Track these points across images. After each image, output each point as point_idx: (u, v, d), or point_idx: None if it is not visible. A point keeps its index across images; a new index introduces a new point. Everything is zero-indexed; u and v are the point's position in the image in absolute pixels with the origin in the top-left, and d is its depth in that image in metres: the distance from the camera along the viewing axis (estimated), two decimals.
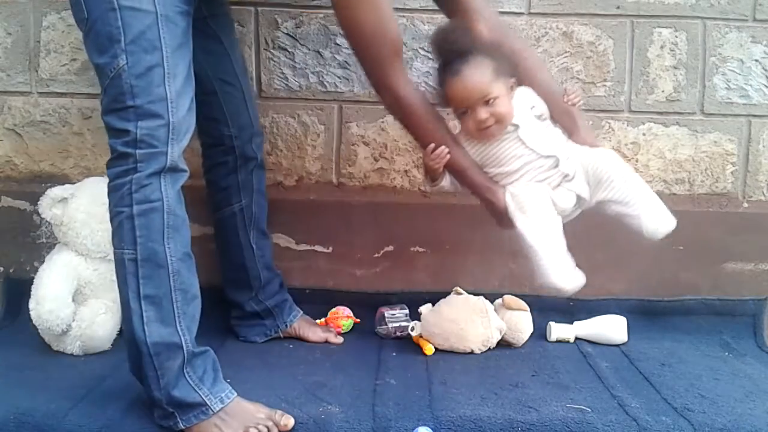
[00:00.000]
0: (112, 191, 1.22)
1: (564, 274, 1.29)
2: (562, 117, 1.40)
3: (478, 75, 1.31)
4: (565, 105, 1.39)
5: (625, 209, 1.32)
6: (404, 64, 1.38)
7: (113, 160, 1.22)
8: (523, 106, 1.37)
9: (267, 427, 1.22)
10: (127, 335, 1.24)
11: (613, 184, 1.32)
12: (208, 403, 1.21)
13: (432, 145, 1.35)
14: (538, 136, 1.35)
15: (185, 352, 1.21)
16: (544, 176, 1.35)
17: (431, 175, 1.40)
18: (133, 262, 1.20)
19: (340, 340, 1.66)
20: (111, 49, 1.18)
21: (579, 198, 1.35)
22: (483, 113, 1.31)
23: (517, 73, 1.37)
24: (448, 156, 1.35)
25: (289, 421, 1.23)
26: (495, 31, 1.41)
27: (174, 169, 1.22)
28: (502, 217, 1.38)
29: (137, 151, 1.18)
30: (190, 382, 1.21)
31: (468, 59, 1.32)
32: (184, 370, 1.21)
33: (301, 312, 1.69)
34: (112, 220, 1.23)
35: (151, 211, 1.19)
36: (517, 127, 1.34)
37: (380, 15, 1.28)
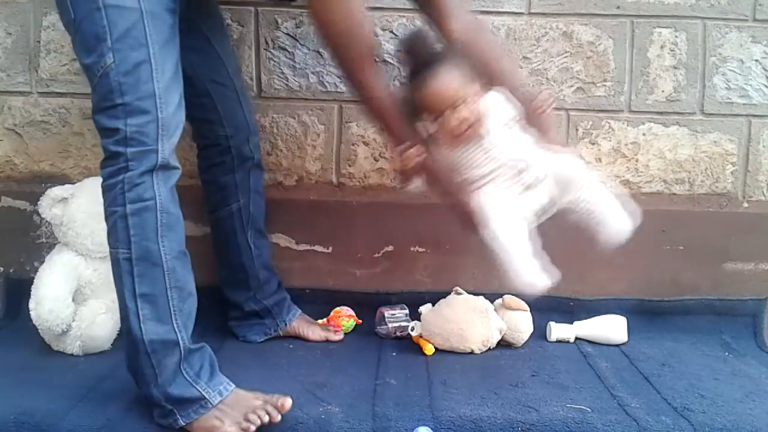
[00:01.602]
0: (105, 191, 1.23)
1: (530, 277, 1.29)
2: (532, 120, 1.38)
3: (446, 82, 1.30)
4: (535, 108, 1.38)
5: (589, 213, 1.33)
6: (376, 64, 1.36)
7: (106, 160, 1.22)
8: (492, 110, 1.35)
9: (266, 411, 1.22)
10: (124, 334, 1.25)
11: (579, 187, 1.33)
12: (206, 396, 1.21)
13: (405, 145, 1.33)
14: (506, 142, 1.34)
15: (182, 349, 1.22)
16: (512, 181, 1.34)
17: (403, 176, 1.38)
18: (127, 261, 1.20)
19: (339, 336, 1.66)
20: (98, 47, 1.18)
21: (548, 201, 1.35)
22: (453, 120, 1.30)
23: (487, 75, 1.35)
24: (421, 156, 1.33)
25: (287, 402, 1.24)
26: (467, 31, 1.39)
27: (166, 167, 1.22)
28: (468, 221, 1.36)
29: (128, 150, 1.19)
30: (188, 377, 1.22)
31: (436, 67, 1.30)
32: (181, 367, 1.22)
33: (300, 311, 1.69)
34: (106, 219, 1.24)
35: (144, 209, 1.20)
36: (487, 132, 1.33)
37: (352, 16, 1.28)
